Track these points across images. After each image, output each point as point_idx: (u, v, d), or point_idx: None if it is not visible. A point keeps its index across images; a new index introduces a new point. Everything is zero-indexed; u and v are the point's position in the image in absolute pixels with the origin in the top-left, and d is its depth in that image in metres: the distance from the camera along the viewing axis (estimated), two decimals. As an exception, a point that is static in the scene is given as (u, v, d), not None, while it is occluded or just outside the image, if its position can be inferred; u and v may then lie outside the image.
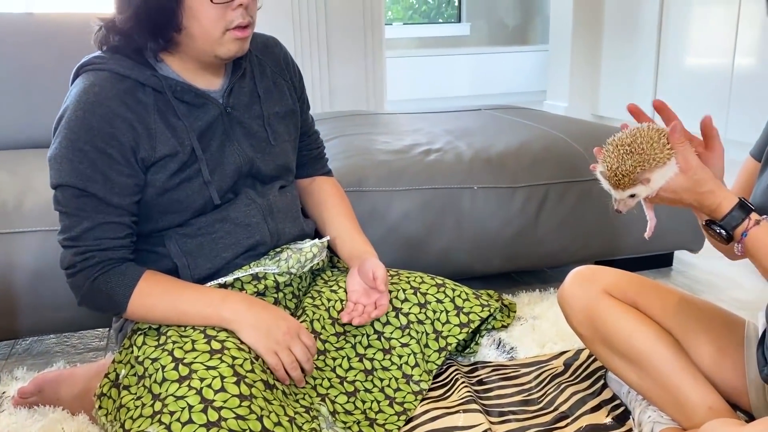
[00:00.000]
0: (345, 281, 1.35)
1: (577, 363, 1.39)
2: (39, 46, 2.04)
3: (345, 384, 1.24)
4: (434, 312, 1.33)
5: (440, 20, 6.05)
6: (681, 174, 0.92)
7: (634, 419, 1.17)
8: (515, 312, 1.61)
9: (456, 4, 6.01)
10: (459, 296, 1.37)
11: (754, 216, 0.91)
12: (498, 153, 1.82)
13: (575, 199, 1.78)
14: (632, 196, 0.93)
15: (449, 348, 1.33)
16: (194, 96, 1.17)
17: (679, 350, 1.10)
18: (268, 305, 1.15)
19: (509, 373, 1.39)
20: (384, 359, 1.28)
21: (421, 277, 1.38)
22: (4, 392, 1.35)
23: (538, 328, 1.56)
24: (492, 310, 1.40)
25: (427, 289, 1.35)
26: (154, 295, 1.12)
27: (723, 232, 0.92)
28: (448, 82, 5.56)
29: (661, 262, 2.04)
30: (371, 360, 1.27)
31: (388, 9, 5.88)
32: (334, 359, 1.26)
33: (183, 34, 1.11)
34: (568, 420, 1.21)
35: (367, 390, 1.24)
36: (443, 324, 1.33)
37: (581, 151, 1.85)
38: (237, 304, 1.12)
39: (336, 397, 1.21)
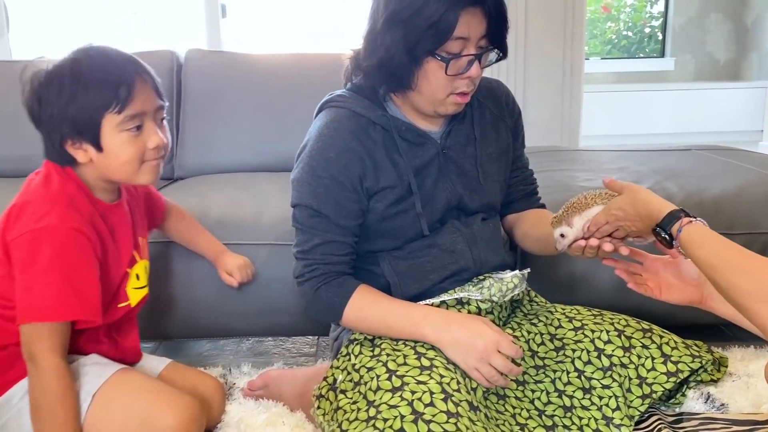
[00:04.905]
0: (545, 315, 1.36)
1: (801, 431, 1.27)
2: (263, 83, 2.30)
3: (543, 417, 1.25)
4: (639, 357, 1.30)
5: (641, 55, 5.80)
6: (621, 195, 1.13)
7: None
8: (726, 367, 1.50)
9: (660, 38, 5.74)
10: (667, 344, 1.32)
11: (687, 218, 1.01)
12: (713, 196, 1.72)
13: (803, 251, 1.63)
14: (562, 235, 1.22)
15: (654, 396, 1.28)
16: (416, 135, 1.27)
17: None
18: (465, 322, 1.19)
19: (718, 428, 1.30)
20: (584, 398, 1.27)
21: (626, 320, 1.35)
22: (234, 383, 1.54)
23: (754, 387, 1.45)
24: (703, 362, 1.33)
25: (632, 333, 1.32)
26: (365, 307, 1.23)
27: (663, 233, 1.03)
28: (648, 119, 5.29)
29: None
30: (570, 397, 1.27)
31: (585, 44, 5.76)
32: (533, 391, 1.28)
33: (413, 89, 1.21)
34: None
35: (566, 427, 1.24)
36: (648, 371, 1.29)
37: (811, 200, 1.69)
38: (436, 325, 1.19)
39: (534, 429, 1.22)
